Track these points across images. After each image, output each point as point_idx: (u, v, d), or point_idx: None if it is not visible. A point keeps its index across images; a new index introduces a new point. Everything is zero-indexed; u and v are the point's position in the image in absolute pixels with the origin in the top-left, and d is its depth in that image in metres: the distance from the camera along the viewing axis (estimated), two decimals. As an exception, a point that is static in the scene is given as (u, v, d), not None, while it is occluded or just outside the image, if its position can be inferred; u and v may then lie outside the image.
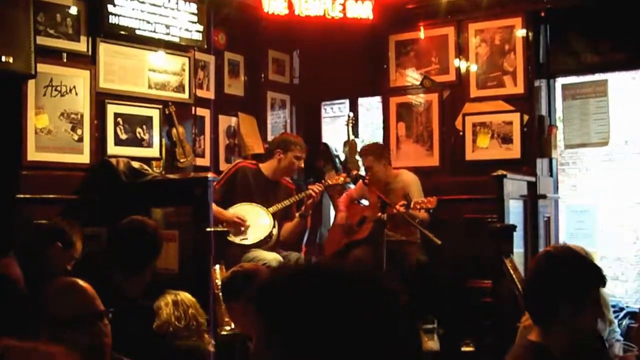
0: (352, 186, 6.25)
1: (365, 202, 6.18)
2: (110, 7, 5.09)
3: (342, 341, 1.14)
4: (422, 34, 6.49)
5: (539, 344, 2.47)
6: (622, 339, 4.79)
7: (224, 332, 4.05)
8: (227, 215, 5.10)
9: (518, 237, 5.30)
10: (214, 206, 4.78)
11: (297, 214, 5.44)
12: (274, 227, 5.24)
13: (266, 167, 5.49)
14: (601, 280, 2.54)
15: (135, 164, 5.00)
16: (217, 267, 4.52)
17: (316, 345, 1.14)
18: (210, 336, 3.74)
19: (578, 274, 2.46)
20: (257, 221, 5.23)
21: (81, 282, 2.67)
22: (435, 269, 5.60)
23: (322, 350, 1.14)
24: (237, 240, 5.08)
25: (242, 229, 5.15)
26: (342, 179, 5.72)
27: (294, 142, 5.48)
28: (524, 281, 3.12)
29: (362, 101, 8.05)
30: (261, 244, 5.13)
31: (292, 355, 1.16)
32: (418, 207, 5.37)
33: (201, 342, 3.68)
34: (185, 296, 3.80)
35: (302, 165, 5.61)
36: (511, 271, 4.81)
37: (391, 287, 1.24)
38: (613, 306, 5.42)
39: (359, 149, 6.68)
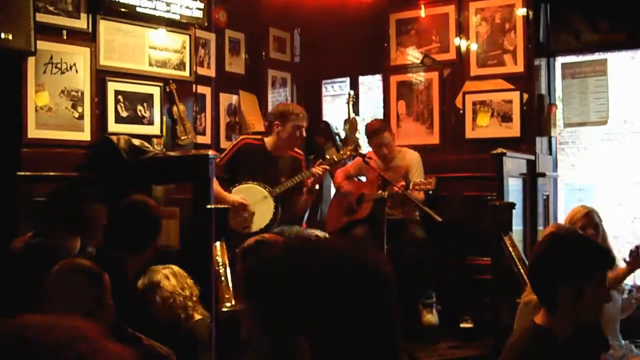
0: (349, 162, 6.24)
1: (363, 178, 6.18)
2: (110, -16, 5.07)
3: (320, 320, 1.19)
4: (422, 12, 6.47)
5: (542, 328, 2.43)
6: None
7: (224, 309, 4.08)
8: (230, 199, 5.00)
9: (517, 215, 5.33)
10: (217, 188, 4.75)
11: (304, 190, 5.30)
12: (275, 210, 5.17)
13: (269, 142, 5.38)
14: (607, 262, 2.49)
15: (136, 142, 4.99)
16: (218, 243, 4.54)
17: (296, 324, 1.19)
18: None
19: (580, 256, 2.41)
20: (259, 206, 5.15)
21: (82, 268, 2.70)
22: (435, 246, 5.63)
23: (301, 327, 1.19)
24: (239, 229, 5.02)
25: (245, 214, 5.07)
26: (348, 152, 5.57)
27: (292, 112, 5.29)
28: (529, 262, 3.08)
29: (362, 79, 8.04)
30: (263, 232, 5.02)
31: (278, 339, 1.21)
32: (417, 188, 5.38)
33: (204, 316, 3.76)
34: (178, 268, 3.87)
35: (304, 134, 5.41)
36: (510, 248, 4.85)
37: (373, 261, 1.27)
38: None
39: (359, 127, 6.68)
